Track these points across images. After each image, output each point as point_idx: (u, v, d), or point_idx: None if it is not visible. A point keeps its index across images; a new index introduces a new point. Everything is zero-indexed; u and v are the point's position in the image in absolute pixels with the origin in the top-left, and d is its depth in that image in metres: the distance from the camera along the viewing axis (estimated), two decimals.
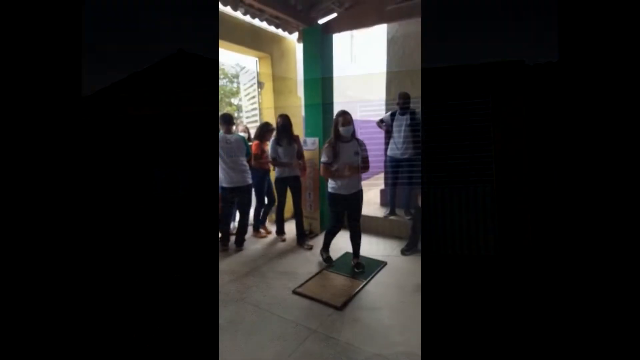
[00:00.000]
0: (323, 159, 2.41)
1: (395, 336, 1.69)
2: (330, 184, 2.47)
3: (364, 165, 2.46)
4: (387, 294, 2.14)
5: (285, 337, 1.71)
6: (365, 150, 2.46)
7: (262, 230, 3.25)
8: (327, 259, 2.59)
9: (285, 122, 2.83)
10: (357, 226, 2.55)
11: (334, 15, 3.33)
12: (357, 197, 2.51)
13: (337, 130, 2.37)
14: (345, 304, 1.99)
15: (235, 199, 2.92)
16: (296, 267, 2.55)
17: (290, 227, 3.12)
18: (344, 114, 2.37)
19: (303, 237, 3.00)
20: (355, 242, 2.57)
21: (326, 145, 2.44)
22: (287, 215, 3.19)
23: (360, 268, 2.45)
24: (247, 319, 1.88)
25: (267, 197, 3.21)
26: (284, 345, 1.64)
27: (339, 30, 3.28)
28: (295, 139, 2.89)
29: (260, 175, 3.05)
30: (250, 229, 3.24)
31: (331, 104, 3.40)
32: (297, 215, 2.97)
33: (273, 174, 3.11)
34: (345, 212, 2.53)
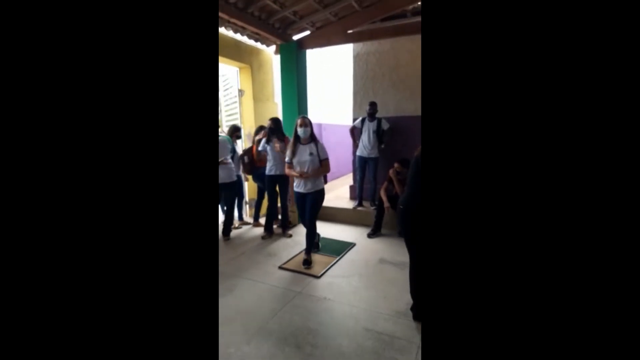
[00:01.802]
0: (286, 158, 2.60)
1: (362, 293, 2.20)
2: (295, 183, 2.64)
3: (323, 167, 2.54)
4: (356, 266, 2.65)
5: (276, 297, 2.15)
6: (325, 153, 2.55)
7: (260, 221, 3.60)
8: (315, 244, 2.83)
9: (277, 125, 3.13)
10: (311, 223, 2.61)
11: (307, 32, 3.81)
12: (311, 196, 2.55)
13: (296, 131, 2.54)
14: (322, 274, 2.47)
15: (222, 194, 3.27)
16: (279, 251, 2.97)
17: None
18: (303, 117, 2.55)
19: (287, 227, 3.42)
20: (307, 238, 2.63)
21: (289, 145, 2.61)
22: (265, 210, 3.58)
23: (306, 264, 2.55)
24: (244, 287, 2.29)
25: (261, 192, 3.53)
26: (276, 302, 2.09)
27: (312, 46, 3.76)
28: (286, 140, 3.13)
29: (261, 172, 3.31)
30: (236, 220, 3.62)
31: (305, 109, 3.87)
32: (284, 209, 3.35)
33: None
34: (304, 209, 2.65)
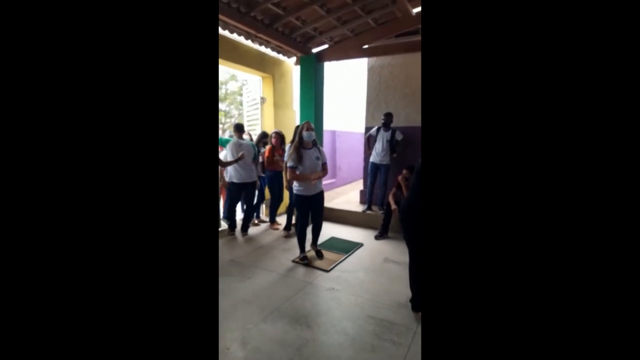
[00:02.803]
0: (289, 163, 2.60)
1: (366, 286, 2.42)
2: (296, 186, 2.69)
3: (323, 170, 2.69)
4: (362, 263, 2.86)
5: (289, 286, 2.40)
6: (325, 157, 2.72)
7: (275, 222, 3.86)
8: (303, 258, 2.81)
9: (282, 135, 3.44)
10: (319, 221, 2.88)
11: (326, 46, 4.10)
12: (318, 198, 2.73)
13: (301, 136, 2.60)
14: (331, 269, 2.70)
15: (243, 193, 3.57)
16: (292, 247, 3.22)
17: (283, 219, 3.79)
18: (308, 122, 2.67)
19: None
20: (316, 233, 2.92)
21: (291, 151, 2.64)
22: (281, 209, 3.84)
23: (320, 256, 2.86)
24: (260, 275, 2.55)
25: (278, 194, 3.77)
26: (289, 289, 2.33)
27: (330, 59, 4.05)
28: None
29: (273, 175, 3.61)
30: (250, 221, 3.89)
31: (321, 117, 4.15)
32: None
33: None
34: (309, 211, 2.77)
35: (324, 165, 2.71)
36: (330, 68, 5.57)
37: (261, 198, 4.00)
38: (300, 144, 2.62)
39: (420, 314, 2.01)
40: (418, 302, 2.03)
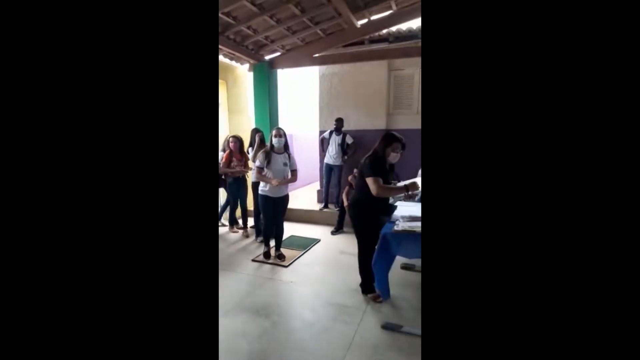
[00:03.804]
0: (257, 163, 2.80)
1: (322, 277, 2.63)
2: (261, 187, 2.82)
3: (292, 177, 2.82)
4: (319, 257, 3.07)
5: (249, 282, 2.53)
6: (295, 164, 2.83)
7: (235, 225, 3.90)
8: (265, 253, 2.98)
9: (262, 137, 3.46)
10: (281, 225, 2.98)
11: (278, 54, 4.28)
12: (282, 201, 2.87)
13: (271, 141, 2.78)
14: (290, 264, 2.87)
15: None
16: (253, 248, 3.33)
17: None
18: (278, 129, 2.83)
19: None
20: (278, 238, 3.00)
21: (260, 152, 2.84)
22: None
23: (282, 258, 2.92)
24: (222, 276, 2.63)
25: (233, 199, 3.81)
26: (250, 286, 2.46)
27: (282, 67, 4.23)
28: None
29: (232, 181, 3.62)
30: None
31: (276, 122, 4.30)
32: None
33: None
34: (273, 212, 2.87)
35: (294, 172, 2.82)
36: (287, 74, 5.74)
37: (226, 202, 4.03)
38: (271, 148, 2.78)
39: (368, 295, 2.26)
40: (366, 285, 2.28)
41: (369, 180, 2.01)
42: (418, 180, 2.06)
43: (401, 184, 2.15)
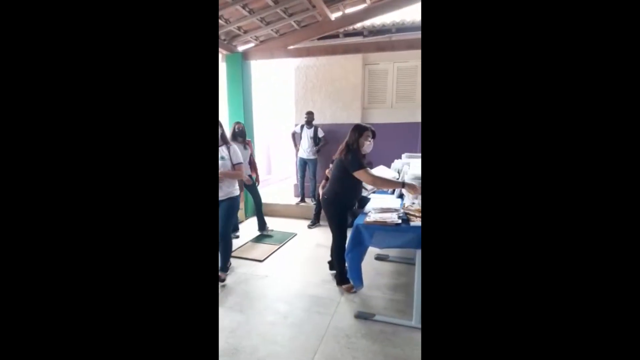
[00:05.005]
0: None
1: (297, 269, 2.65)
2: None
3: (236, 170, 2.29)
4: (295, 250, 3.08)
5: (227, 276, 2.48)
6: (238, 158, 2.31)
7: None
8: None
9: (242, 128, 3.28)
10: (221, 237, 2.33)
11: (252, 45, 4.18)
12: (221, 205, 2.25)
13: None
14: (265, 259, 2.86)
15: None
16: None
17: None
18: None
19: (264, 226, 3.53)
20: (224, 253, 2.38)
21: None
22: None
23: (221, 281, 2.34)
24: None
25: None
26: (227, 279, 2.42)
27: (256, 58, 4.14)
28: (248, 143, 3.35)
29: None
30: None
31: (250, 113, 4.22)
32: (258, 205, 3.50)
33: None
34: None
35: (236, 165, 2.27)
36: (264, 67, 5.62)
37: None
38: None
39: (342, 286, 2.30)
40: (341, 277, 2.32)
41: (359, 174, 2.02)
42: (417, 183, 1.97)
43: (400, 180, 2.19)
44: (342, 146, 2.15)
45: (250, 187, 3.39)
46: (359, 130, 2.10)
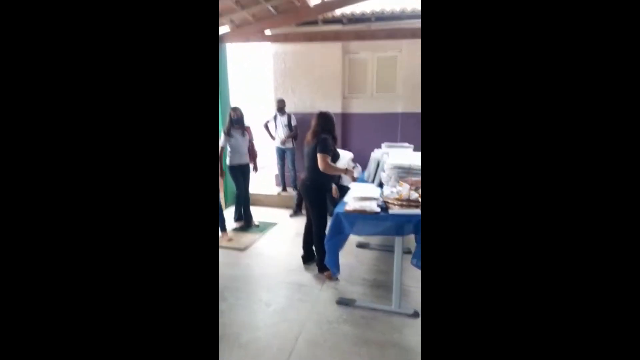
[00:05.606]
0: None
1: (278, 258, 2.67)
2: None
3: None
4: (276, 239, 3.10)
5: None
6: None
7: None
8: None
9: (240, 115, 3.15)
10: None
11: (227, 28, 4.02)
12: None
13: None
14: (246, 248, 2.86)
15: None
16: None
17: None
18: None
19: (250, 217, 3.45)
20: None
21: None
22: None
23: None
24: None
25: None
26: None
27: (232, 42, 3.99)
28: (247, 130, 3.25)
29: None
30: None
31: (227, 98, 4.10)
32: (246, 199, 3.41)
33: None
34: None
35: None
36: (243, 53, 5.42)
37: None
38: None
39: (324, 273, 2.35)
40: (322, 264, 2.37)
41: (320, 156, 2.14)
42: (350, 165, 2.58)
43: (341, 166, 2.42)
44: (310, 133, 2.26)
45: (245, 176, 3.30)
46: (325, 117, 2.28)
